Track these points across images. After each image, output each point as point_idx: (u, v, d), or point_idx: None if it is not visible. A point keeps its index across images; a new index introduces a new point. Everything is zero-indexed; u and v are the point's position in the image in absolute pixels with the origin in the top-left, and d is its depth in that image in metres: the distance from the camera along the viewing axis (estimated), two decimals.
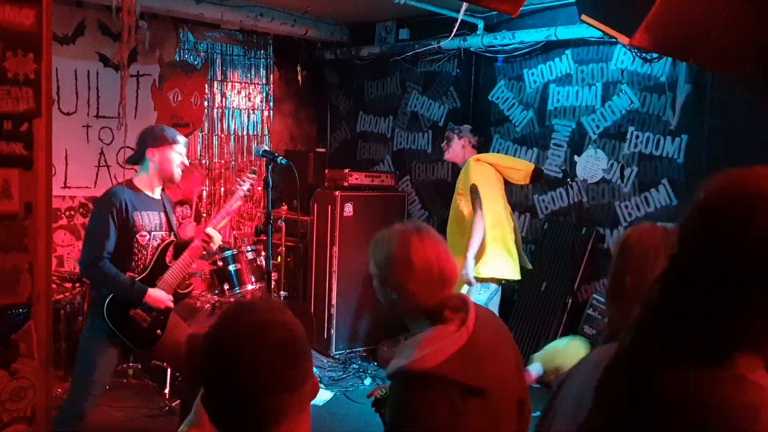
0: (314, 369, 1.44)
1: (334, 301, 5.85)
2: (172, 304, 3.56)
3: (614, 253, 2.46)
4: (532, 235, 5.92)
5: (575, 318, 5.27)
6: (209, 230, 3.65)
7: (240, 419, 1.32)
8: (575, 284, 5.31)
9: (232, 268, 5.01)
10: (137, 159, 3.57)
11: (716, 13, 3.41)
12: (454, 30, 4.42)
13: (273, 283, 5.27)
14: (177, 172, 3.57)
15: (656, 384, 1.05)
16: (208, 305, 4.75)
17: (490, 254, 4.72)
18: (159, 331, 3.57)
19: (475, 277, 4.70)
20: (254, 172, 4.05)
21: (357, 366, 5.67)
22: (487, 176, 4.87)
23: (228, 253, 5.06)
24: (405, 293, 1.86)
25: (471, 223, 4.73)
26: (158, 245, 3.55)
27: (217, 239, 3.66)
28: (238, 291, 4.99)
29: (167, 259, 3.59)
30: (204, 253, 3.73)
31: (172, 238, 3.64)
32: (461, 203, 4.90)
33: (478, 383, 1.78)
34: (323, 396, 5.01)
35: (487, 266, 4.72)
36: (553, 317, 5.35)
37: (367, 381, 5.37)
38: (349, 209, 5.91)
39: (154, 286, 3.50)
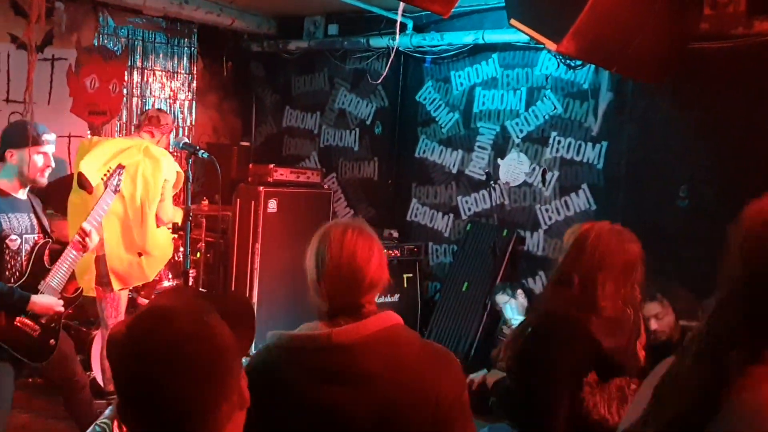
0: None
1: (255, 299, 5.73)
2: (62, 309, 3.33)
3: (568, 244, 2.45)
4: (455, 236, 5.97)
5: (495, 318, 5.34)
6: (84, 225, 3.42)
7: None
8: (495, 285, 5.38)
9: None
10: None
11: (639, 25, 3.52)
12: (398, 29, 4.39)
13: (192, 281, 5.15)
14: (40, 177, 3.30)
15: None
16: None
17: None
18: (53, 340, 3.33)
19: None
20: (122, 167, 3.72)
21: None
22: None
23: None
24: (312, 288, 1.79)
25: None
26: (32, 248, 3.28)
27: (95, 236, 3.43)
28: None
29: (45, 262, 3.34)
30: (82, 249, 3.43)
31: (47, 239, 3.39)
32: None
33: (318, 395, 1.67)
34: None
35: None
36: (473, 317, 5.41)
37: None
38: (273, 205, 5.80)
39: (36, 292, 3.24)
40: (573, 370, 2.30)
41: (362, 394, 1.67)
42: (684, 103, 4.55)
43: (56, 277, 3.32)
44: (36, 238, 3.33)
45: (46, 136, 3.29)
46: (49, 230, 3.44)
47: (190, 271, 5.01)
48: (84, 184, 3.94)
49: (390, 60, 5.03)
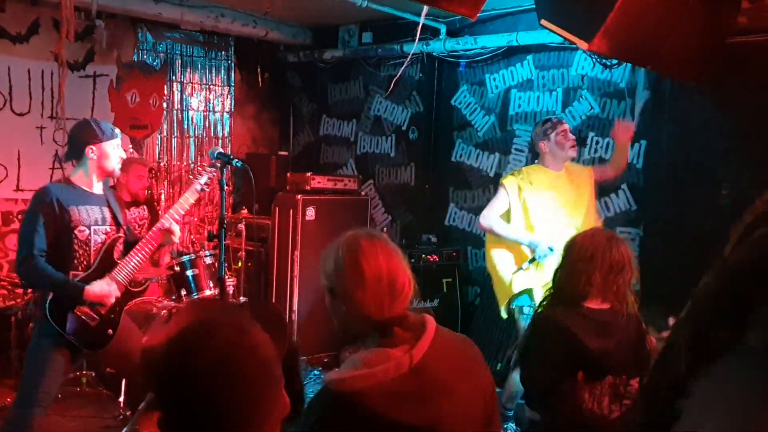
0: None
1: (295, 307, 5.78)
2: (118, 293, 3.39)
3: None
4: None
5: None
6: (163, 221, 3.52)
7: None
8: None
9: (189, 273, 4.90)
10: (74, 156, 3.45)
11: (673, 20, 3.44)
12: (418, 33, 4.38)
13: (232, 288, 5.21)
14: (117, 167, 3.47)
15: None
16: (165, 311, 4.64)
17: None
18: (110, 330, 3.42)
19: None
20: (215, 167, 3.76)
21: (318, 372, 5.61)
22: None
23: (186, 257, 4.95)
24: (353, 304, 1.68)
25: None
26: (103, 241, 3.40)
27: (176, 231, 3.53)
28: (196, 296, 4.89)
29: (115, 256, 3.44)
30: (161, 243, 3.55)
31: (120, 233, 3.49)
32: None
33: (413, 419, 1.59)
34: None
35: None
36: (513, 322, 5.34)
37: None
38: (311, 213, 5.84)
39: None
40: (555, 366, 2.46)
41: (443, 405, 1.63)
42: (724, 100, 4.44)
43: (123, 270, 3.42)
44: (108, 230, 3.44)
45: (116, 130, 3.49)
46: (122, 224, 3.53)
47: (229, 280, 5.09)
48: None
49: (423, 65, 5.02)
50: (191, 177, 3.78)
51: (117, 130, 3.50)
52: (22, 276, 3.65)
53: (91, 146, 3.36)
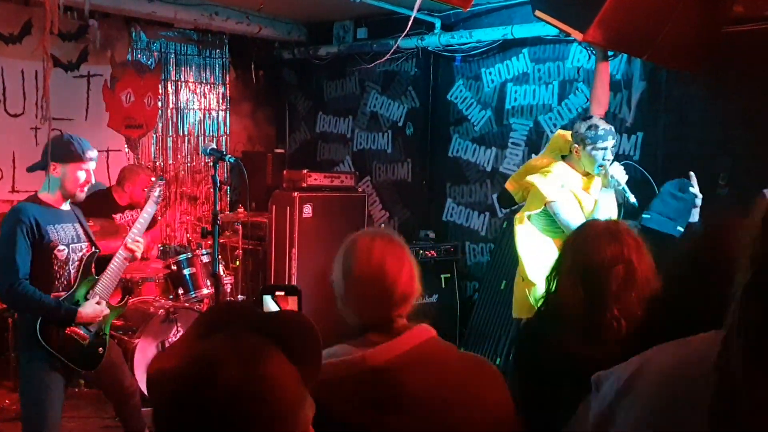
0: None
1: None
2: (107, 310, 3.38)
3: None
4: (491, 234, 5.92)
5: None
6: (127, 239, 3.46)
7: None
8: None
9: (186, 272, 4.90)
10: (38, 167, 3.34)
11: (668, 10, 3.44)
12: (409, 25, 4.34)
13: (230, 287, 5.20)
14: (79, 193, 3.33)
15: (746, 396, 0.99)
16: (162, 311, 4.63)
17: None
18: (101, 348, 3.40)
19: None
20: (162, 178, 3.74)
21: None
22: None
23: (183, 256, 4.95)
24: (342, 301, 1.70)
25: None
26: (81, 258, 3.35)
27: (140, 249, 3.48)
28: (193, 295, 4.88)
29: (93, 272, 3.41)
30: (128, 263, 3.52)
31: (94, 249, 3.45)
32: None
33: (364, 421, 1.50)
34: None
35: None
36: (512, 315, 5.33)
37: None
38: (308, 210, 5.83)
39: (84, 301, 3.33)
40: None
41: (414, 420, 1.51)
42: (721, 90, 4.42)
43: (101, 285, 3.39)
44: (84, 247, 3.39)
45: (89, 153, 3.32)
46: (94, 239, 3.50)
47: (227, 278, 5.08)
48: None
49: (418, 60, 4.99)
50: (145, 191, 3.70)
51: (90, 153, 3.31)
52: (11, 304, 3.60)
53: (55, 163, 3.24)
